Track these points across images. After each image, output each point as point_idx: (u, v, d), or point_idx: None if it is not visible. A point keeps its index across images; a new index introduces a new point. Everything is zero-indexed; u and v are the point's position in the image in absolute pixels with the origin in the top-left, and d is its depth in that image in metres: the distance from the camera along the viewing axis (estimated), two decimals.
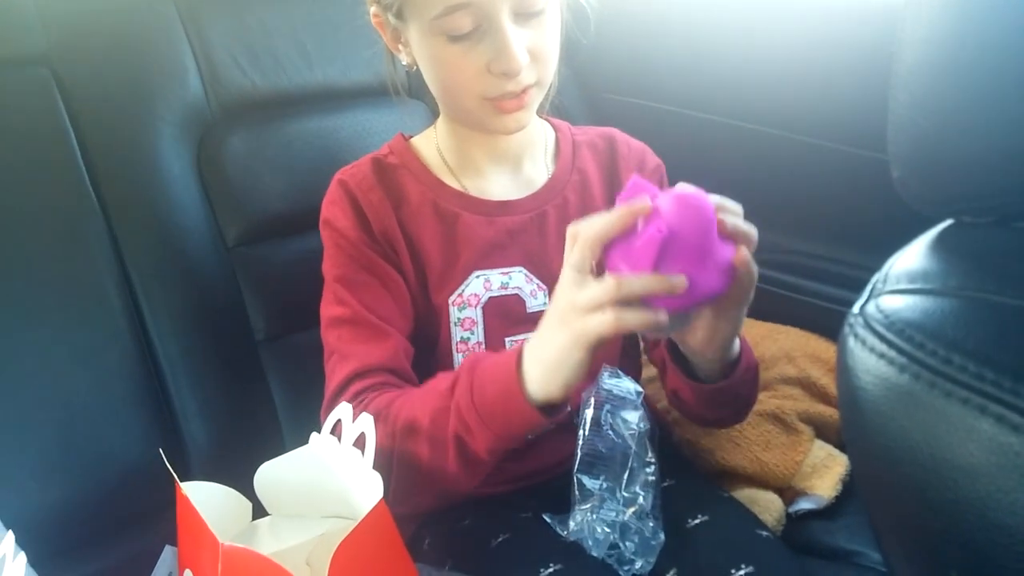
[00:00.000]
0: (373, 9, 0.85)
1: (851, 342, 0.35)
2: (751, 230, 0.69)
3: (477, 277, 0.88)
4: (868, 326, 0.35)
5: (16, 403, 0.89)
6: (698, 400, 0.86)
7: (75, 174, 0.98)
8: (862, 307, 0.37)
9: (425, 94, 1.08)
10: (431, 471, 0.76)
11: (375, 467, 0.67)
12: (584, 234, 0.67)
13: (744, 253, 0.67)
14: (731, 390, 0.83)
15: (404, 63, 0.87)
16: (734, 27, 1.25)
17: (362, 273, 0.86)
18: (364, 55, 1.16)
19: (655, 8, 1.35)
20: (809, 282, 1.22)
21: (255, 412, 1.02)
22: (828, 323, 1.18)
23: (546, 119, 0.97)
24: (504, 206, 0.90)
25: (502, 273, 0.89)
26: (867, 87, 0.74)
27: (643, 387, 0.98)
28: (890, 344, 0.33)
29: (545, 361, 0.69)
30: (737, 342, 0.81)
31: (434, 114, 0.98)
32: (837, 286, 1.19)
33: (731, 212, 0.69)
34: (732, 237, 0.68)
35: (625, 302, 0.65)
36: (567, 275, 0.69)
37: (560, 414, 0.72)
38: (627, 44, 1.36)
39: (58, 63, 1.00)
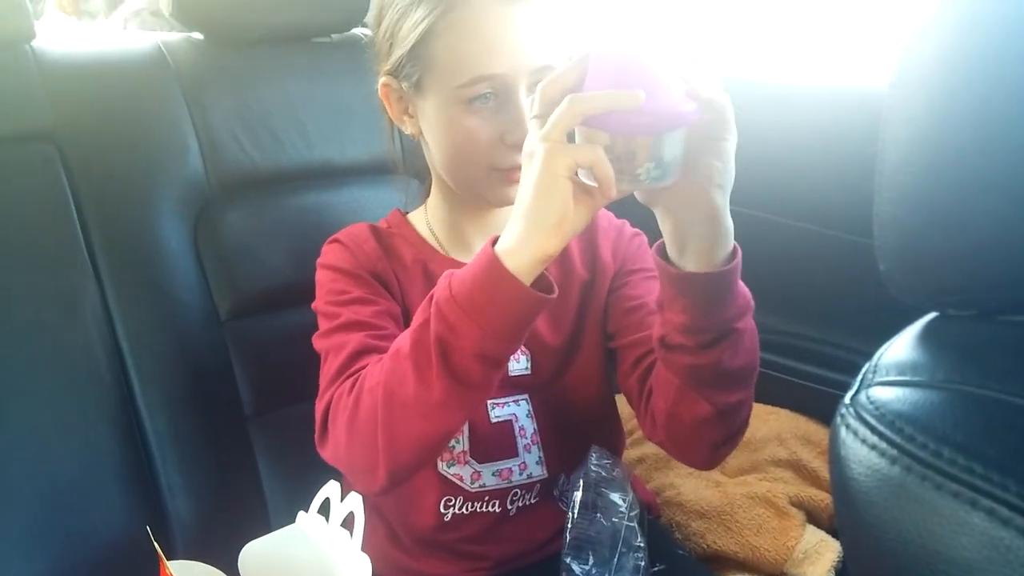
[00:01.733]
0: (384, 80, 0.88)
1: (843, 432, 0.36)
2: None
3: None
4: (859, 417, 0.36)
5: (2, 474, 0.88)
6: (692, 319, 0.72)
7: (74, 247, 0.99)
8: (853, 397, 0.37)
9: (420, 171, 1.11)
10: (417, 398, 0.69)
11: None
12: (542, 87, 0.66)
13: (705, 78, 0.64)
14: (727, 290, 0.72)
15: (408, 133, 0.90)
16: None
17: (355, 293, 0.86)
18: (360, 134, 1.19)
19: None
20: (800, 364, 1.23)
21: (241, 489, 1.01)
22: (819, 405, 1.19)
23: None
24: None
25: None
26: (856, 173, 0.77)
27: (631, 467, 0.98)
28: (881, 436, 0.34)
29: (527, 214, 0.65)
30: (731, 240, 0.71)
31: (423, 190, 1.00)
32: (828, 368, 1.20)
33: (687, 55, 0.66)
34: (686, 75, 0.64)
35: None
36: (530, 126, 0.66)
37: (550, 290, 0.68)
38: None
39: (63, 139, 1.02)
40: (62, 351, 0.95)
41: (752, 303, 0.75)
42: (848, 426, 0.36)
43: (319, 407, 0.80)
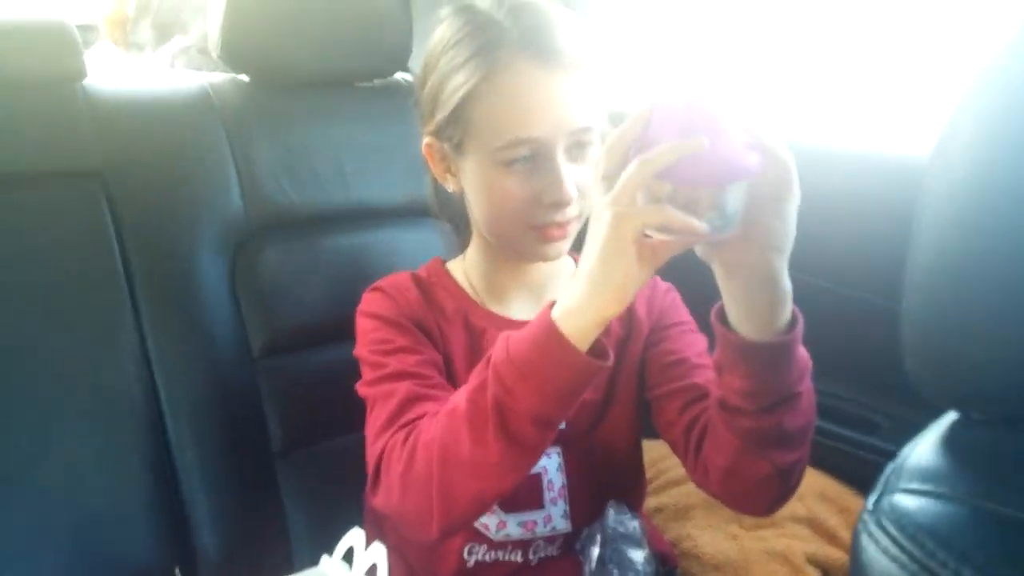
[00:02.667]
0: (428, 140, 0.91)
1: (864, 539, 0.37)
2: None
3: None
4: (881, 526, 0.37)
5: (37, 505, 0.91)
6: (752, 385, 0.72)
7: (115, 283, 1.02)
8: (876, 503, 0.39)
9: (454, 215, 1.13)
10: (473, 458, 0.71)
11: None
12: (607, 147, 0.66)
13: (771, 132, 0.63)
14: (788, 357, 0.71)
15: (451, 190, 0.93)
16: None
17: (399, 342, 0.87)
18: (398, 176, 1.22)
19: None
20: (819, 421, 1.22)
21: (266, 526, 1.03)
22: (837, 462, 1.19)
23: (570, 254, 1.01)
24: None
25: None
26: (881, 240, 0.78)
27: (650, 517, 0.99)
28: (902, 548, 0.35)
29: (591, 276, 0.65)
30: (789, 305, 0.70)
31: (458, 235, 1.02)
32: (848, 426, 1.20)
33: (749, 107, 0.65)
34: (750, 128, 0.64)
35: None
36: (597, 188, 0.67)
37: (605, 356, 0.69)
38: None
39: (109, 177, 1.05)
40: (100, 385, 0.98)
41: (810, 363, 0.75)
42: (870, 534, 0.37)
43: (371, 454, 0.82)
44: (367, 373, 0.88)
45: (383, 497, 0.80)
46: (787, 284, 0.69)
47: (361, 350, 0.90)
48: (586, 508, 0.91)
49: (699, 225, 0.62)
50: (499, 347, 0.71)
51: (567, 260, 0.99)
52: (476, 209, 0.90)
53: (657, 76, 0.67)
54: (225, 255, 1.09)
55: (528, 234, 0.86)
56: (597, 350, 0.69)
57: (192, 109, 1.14)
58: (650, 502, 1.20)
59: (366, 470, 0.83)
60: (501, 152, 0.83)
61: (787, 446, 0.76)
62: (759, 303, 0.70)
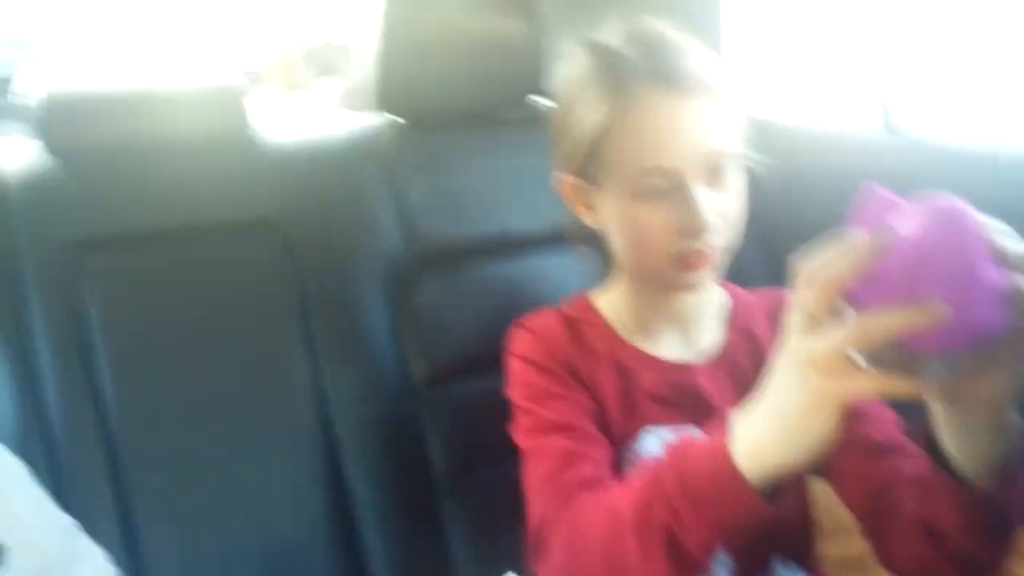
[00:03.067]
0: (563, 177, 0.93)
1: None
2: None
3: (649, 433, 0.91)
4: None
5: (228, 538, 1.00)
6: (968, 525, 0.67)
7: (291, 324, 1.10)
8: None
9: (599, 242, 1.15)
10: (642, 572, 0.69)
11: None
12: (804, 280, 0.57)
13: None
14: (1014, 503, 0.65)
15: (589, 225, 0.94)
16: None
17: (551, 388, 0.89)
18: (543, 204, 1.25)
19: (838, 170, 1.36)
20: None
21: (431, 554, 1.08)
22: None
23: (721, 283, 1.00)
24: (679, 368, 0.93)
25: (675, 431, 0.90)
26: None
27: (823, 567, 0.95)
28: None
29: (777, 429, 0.61)
30: (1013, 443, 0.63)
31: (604, 260, 1.04)
32: None
33: (1004, 234, 0.55)
34: (1007, 263, 0.54)
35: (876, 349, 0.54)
36: (798, 321, 0.58)
37: (786, 498, 0.65)
38: (814, 208, 1.35)
39: (284, 223, 1.14)
40: (281, 420, 1.07)
41: None
42: None
43: (530, 513, 0.84)
44: (520, 421, 0.90)
45: (545, 573, 0.81)
46: (1012, 422, 0.62)
47: (513, 393, 0.92)
48: (752, 566, 0.89)
49: (926, 387, 0.56)
50: (668, 467, 0.68)
51: (717, 293, 0.98)
52: (616, 243, 0.91)
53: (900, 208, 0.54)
54: (388, 293, 1.15)
55: (670, 264, 0.86)
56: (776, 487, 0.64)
57: (354, 154, 1.22)
58: (829, 549, 1.15)
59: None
60: (637, 183, 0.84)
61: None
62: (975, 445, 0.63)
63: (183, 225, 1.10)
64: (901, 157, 1.30)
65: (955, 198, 0.54)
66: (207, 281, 1.09)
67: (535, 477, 0.85)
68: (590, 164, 0.88)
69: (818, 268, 0.56)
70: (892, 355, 0.54)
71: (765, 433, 0.62)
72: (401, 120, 1.28)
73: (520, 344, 0.95)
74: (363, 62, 1.28)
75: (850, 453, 0.82)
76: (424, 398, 1.14)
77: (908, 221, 0.54)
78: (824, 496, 0.96)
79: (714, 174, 0.84)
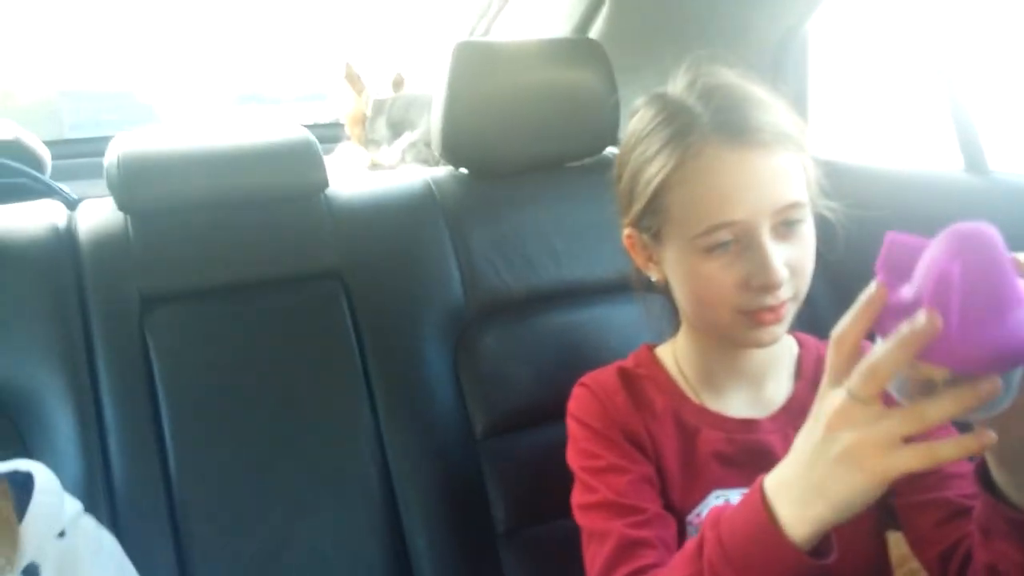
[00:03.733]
0: (627, 231, 0.91)
1: None
2: None
3: (717, 497, 0.87)
4: None
5: None
6: None
7: (354, 375, 1.11)
8: None
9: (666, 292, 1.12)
10: None
11: None
12: (867, 366, 0.57)
13: None
14: None
15: (653, 279, 0.92)
16: None
17: (609, 459, 0.86)
18: (607, 252, 1.23)
19: (917, 212, 1.30)
20: None
21: None
22: None
23: (792, 334, 0.96)
24: (745, 424, 0.89)
25: (743, 494, 0.87)
26: None
27: None
28: None
29: (818, 485, 0.60)
30: None
31: (671, 310, 1.01)
32: None
33: None
34: None
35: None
36: (845, 405, 0.59)
37: (830, 555, 0.64)
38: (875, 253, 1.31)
39: (347, 275, 1.15)
40: (342, 470, 1.07)
41: None
42: None
43: None
44: (580, 490, 0.87)
45: None
46: None
47: (572, 460, 0.90)
48: None
49: (985, 436, 0.54)
50: (711, 540, 0.67)
51: (786, 341, 0.94)
52: (681, 297, 0.88)
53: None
54: (448, 343, 1.15)
55: (739, 320, 0.82)
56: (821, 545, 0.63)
57: (417, 206, 1.23)
58: None
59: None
60: (701, 239, 0.81)
61: None
62: None
63: (248, 279, 1.13)
64: (983, 197, 1.23)
65: (978, 223, 0.53)
66: (268, 333, 1.11)
67: (593, 565, 0.82)
68: (652, 218, 0.86)
69: (842, 328, 0.60)
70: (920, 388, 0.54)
71: (806, 495, 0.61)
72: (464, 171, 1.29)
73: (578, 404, 0.92)
74: (430, 115, 1.30)
75: (928, 514, 0.79)
76: (484, 450, 1.12)
77: (933, 252, 0.53)
78: (899, 549, 0.92)
79: (784, 226, 0.81)
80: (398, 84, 1.89)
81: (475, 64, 1.24)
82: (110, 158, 1.10)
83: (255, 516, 1.02)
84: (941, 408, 0.54)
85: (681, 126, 0.83)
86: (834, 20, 1.54)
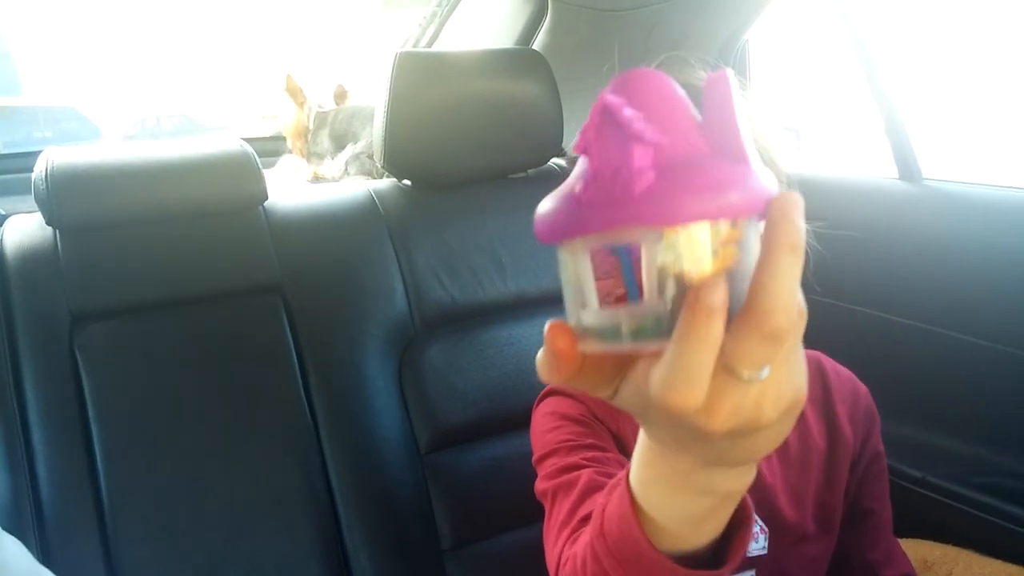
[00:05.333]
0: None
1: None
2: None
3: None
4: None
5: None
6: None
7: (293, 388, 1.08)
8: None
9: None
10: None
11: None
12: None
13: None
14: None
15: None
16: (929, 230, 1.21)
17: (587, 439, 0.78)
18: (552, 263, 1.23)
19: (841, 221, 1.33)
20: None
21: None
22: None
23: None
24: None
25: None
26: None
27: None
28: None
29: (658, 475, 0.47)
30: None
31: None
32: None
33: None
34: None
35: None
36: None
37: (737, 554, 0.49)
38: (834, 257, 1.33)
39: (287, 289, 1.13)
40: (282, 486, 1.04)
41: None
42: None
43: (550, 557, 0.71)
44: (547, 468, 0.78)
45: None
46: None
47: (540, 451, 0.81)
48: None
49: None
50: (596, 512, 0.54)
51: None
52: None
53: None
54: (392, 357, 1.13)
55: None
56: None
57: (360, 219, 1.21)
58: None
59: (538, 567, 0.75)
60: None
61: None
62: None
63: (183, 294, 1.10)
64: (917, 204, 1.27)
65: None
66: (205, 350, 1.07)
67: (557, 517, 0.72)
68: None
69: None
70: None
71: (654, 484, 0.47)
72: (408, 183, 1.28)
73: (549, 405, 0.85)
74: (372, 127, 1.28)
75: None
76: (428, 464, 1.11)
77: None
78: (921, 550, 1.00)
79: None
80: (340, 96, 1.86)
81: (417, 75, 1.22)
82: (38, 171, 1.06)
83: (192, 539, 0.99)
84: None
85: None
86: (772, 30, 1.57)
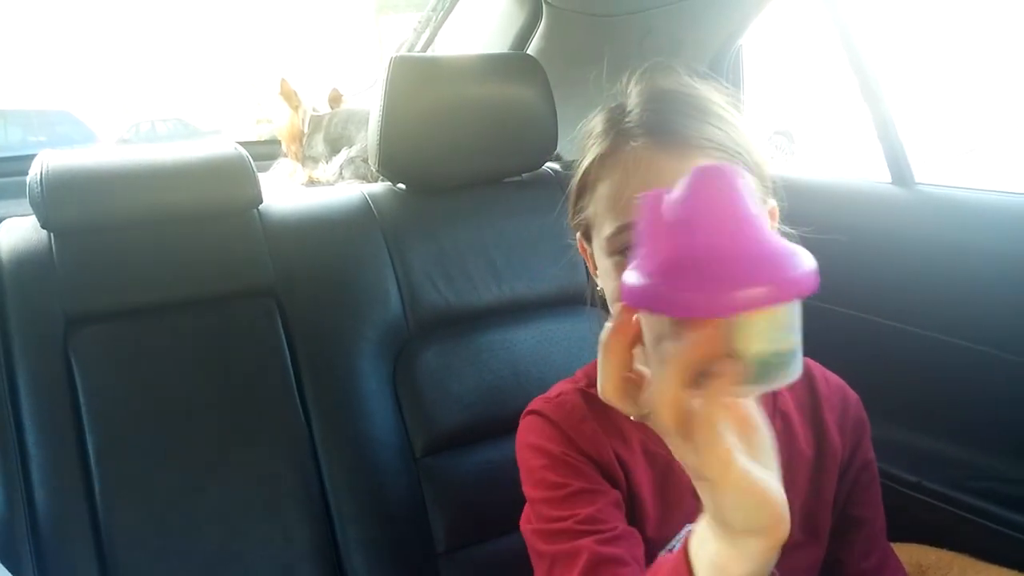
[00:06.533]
0: (578, 236, 0.86)
1: None
2: None
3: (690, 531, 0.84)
4: None
5: None
6: None
7: (287, 390, 1.08)
8: None
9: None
10: None
11: None
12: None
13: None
14: None
15: (598, 287, 0.85)
16: (916, 232, 1.21)
17: (576, 485, 0.76)
18: (548, 267, 1.23)
19: (848, 222, 1.33)
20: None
21: None
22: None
23: None
24: None
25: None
26: None
27: None
28: None
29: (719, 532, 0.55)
30: None
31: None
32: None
33: None
34: None
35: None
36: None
37: None
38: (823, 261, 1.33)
39: (282, 293, 1.13)
40: (278, 490, 1.04)
41: None
42: None
43: None
44: (539, 521, 0.77)
45: None
46: None
47: (531, 491, 0.80)
48: None
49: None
50: None
51: None
52: (608, 300, 0.80)
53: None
54: (387, 360, 1.13)
55: None
56: None
57: (354, 222, 1.21)
58: None
59: (532, 571, 0.78)
60: (610, 242, 0.75)
61: None
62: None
63: (178, 297, 1.10)
64: (909, 209, 1.27)
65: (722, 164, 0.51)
66: (199, 353, 1.07)
67: None
68: (582, 216, 0.82)
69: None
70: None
71: (715, 542, 0.54)
72: (402, 186, 1.28)
73: (531, 432, 0.83)
74: (367, 131, 1.28)
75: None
76: (423, 468, 1.11)
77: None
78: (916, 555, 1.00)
79: None
80: (335, 100, 1.86)
81: (412, 79, 1.23)
82: (33, 174, 1.05)
83: (186, 541, 0.99)
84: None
85: (613, 123, 0.79)
86: (765, 36, 1.58)
